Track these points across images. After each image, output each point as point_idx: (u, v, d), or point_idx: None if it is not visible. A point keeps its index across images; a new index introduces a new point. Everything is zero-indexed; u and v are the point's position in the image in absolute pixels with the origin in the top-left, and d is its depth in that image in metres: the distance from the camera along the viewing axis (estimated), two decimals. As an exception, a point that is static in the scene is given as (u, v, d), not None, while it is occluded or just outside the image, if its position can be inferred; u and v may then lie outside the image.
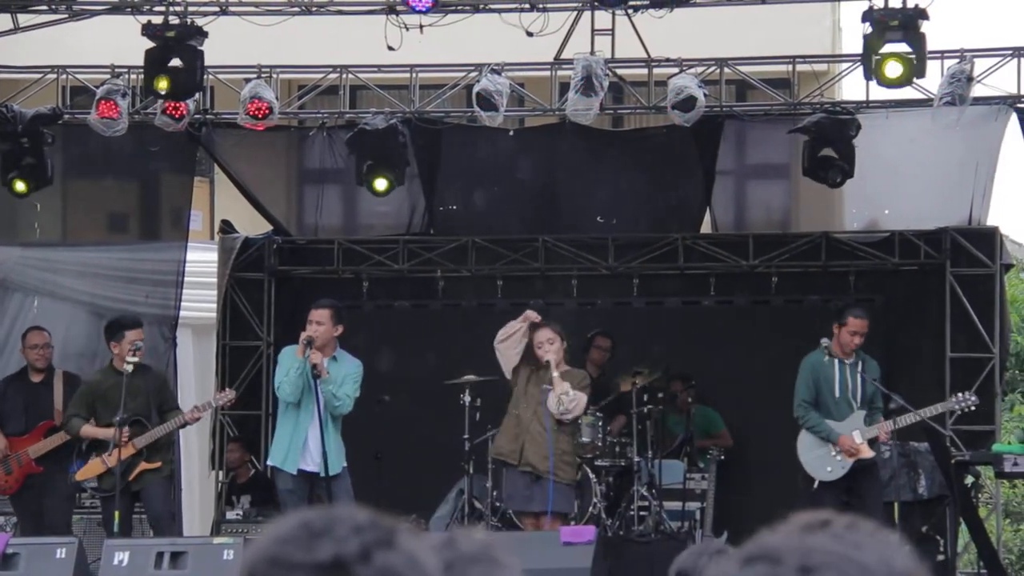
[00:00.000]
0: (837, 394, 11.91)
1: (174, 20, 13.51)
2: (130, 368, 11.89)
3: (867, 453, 11.75)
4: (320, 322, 11.63)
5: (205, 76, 14.00)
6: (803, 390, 12.05)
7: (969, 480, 13.32)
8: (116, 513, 11.62)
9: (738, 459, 13.92)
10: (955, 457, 12.95)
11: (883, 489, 12.00)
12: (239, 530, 12.62)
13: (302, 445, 11.51)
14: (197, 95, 14.27)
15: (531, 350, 12.24)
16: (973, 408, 12.01)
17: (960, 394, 12.05)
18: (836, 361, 11.94)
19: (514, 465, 12.13)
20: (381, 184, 14.44)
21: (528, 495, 12.13)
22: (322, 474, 11.45)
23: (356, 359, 11.82)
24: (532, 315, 12.21)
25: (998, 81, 14.09)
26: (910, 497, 12.94)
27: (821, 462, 11.83)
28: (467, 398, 13.06)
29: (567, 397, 12.05)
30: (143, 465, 12.12)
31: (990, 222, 14.97)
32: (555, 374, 12.08)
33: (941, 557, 12.93)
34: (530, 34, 13.63)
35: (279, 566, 1.99)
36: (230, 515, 13.56)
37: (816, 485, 11.88)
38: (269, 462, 11.96)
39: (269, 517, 12.81)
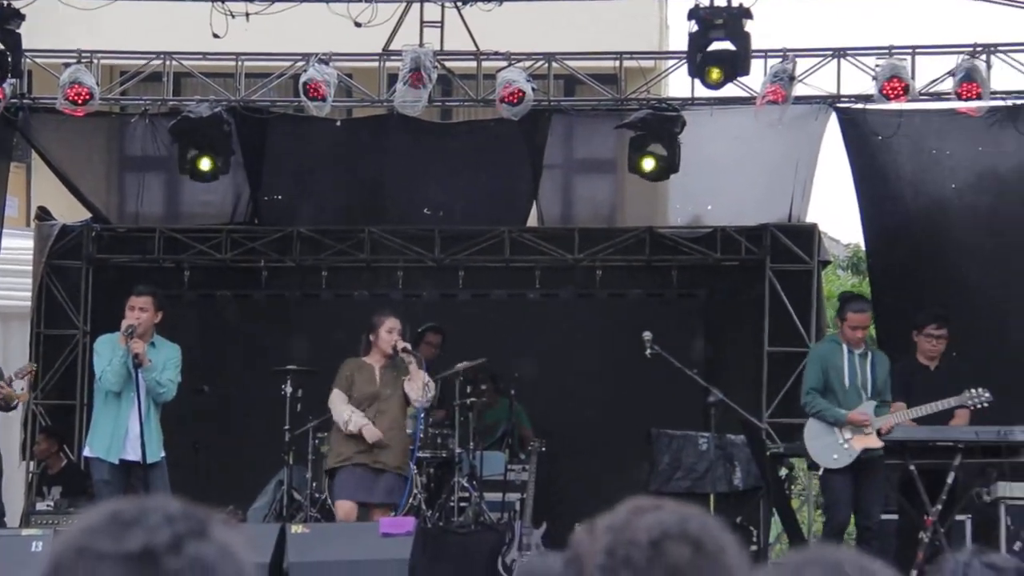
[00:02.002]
0: (847, 383, 11.74)
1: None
2: None
3: (874, 442, 11.57)
4: (143, 308, 11.52)
5: (23, 60, 13.86)
6: (812, 378, 11.88)
7: (783, 472, 13.59)
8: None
9: (559, 451, 14.06)
10: (770, 450, 13.19)
11: (882, 485, 11.85)
12: (49, 521, 12.47)
13: (124, 434, 11.43)
14: (14, 79, 14.11)
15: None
16: (986, 405, 11.83)
17: (975, 390, 11.85)
18: (846, 350, 11.79)
19: (365, 464, 12.02)
20: (205, 164, 14.36)
21: (368, 487, 12.09)
22: (142, 462, 11.37)
23: (174, 344, 11.76)
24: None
25: (819, 81, 14.41)
26: (725, 488, 13.12)
27: (828, 450, 11.65)
28: (288, 388, 13.07)
29: (430, 385, 12.08)
30: None
31: (809, 219, 15.28)
32: (412, 362, 12.07)
33: (754, 547, 13.16)
34: (358, 24, 13.63)
35: (87, 556, 1.97)
36: (40, 506, 13.40)
37: (822, 472, 11.78)
38: (87, 453, 11.80)
39: (80, 508, 12.72)
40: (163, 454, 11.63)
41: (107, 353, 11.48)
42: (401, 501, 12.10)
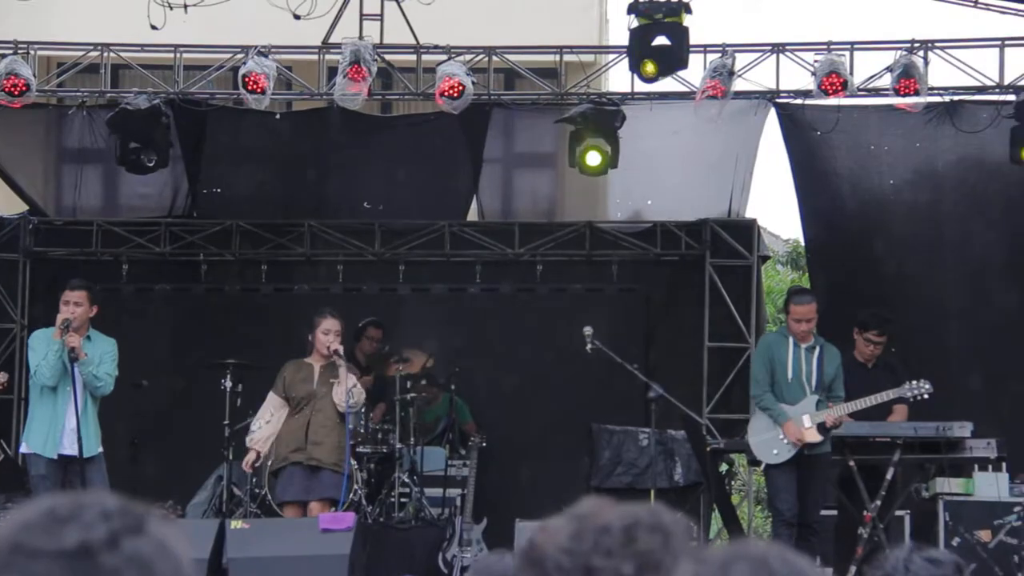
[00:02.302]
0: (790, 376, 11.58)
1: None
2: None
3: (813, 438, 11.42)
4: (78, 303, 11.45)
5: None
6: (757, 371, 11.81)
7: (724, 468, 13.58)
8: None
9: (500, 446, 14.02)
10: (710, 445, 13.17)
11: (825, 483, 11.77)
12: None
13: (61, 429, 11.33)
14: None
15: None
16: (927, 396, 11.75)
17: (914, 381, 11.79)
18: (792, 343, 11.63)
19: (300, 462, 12.02)
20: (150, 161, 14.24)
21: (307, 486, 12.05)
22: (79, 456, 11.28)
23: (109, 337, 11.67)
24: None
25: (758, 76, 14.41)
26: (666, 484, 13.11)
27: (768, 445, 11.55)
28: (228, 383, 12.99)
29: (356, 390, 12.08)
30: None
31: (748, 215, 15.30)
32: (342, 365, 12.07)
33: (694, 543, 13.16)
34: (297, 17, 13.58)
35: (21, 553, 1.94)
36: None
37: (764, 467, 11.71)
38: (24, 449, 11.71)
39: (17, 504, 12.58)
40: (101, 449, 11.55)
41: (42, 348, 11.42)
42: (340, 498, 12.03)
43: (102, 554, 1.94)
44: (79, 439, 11.20)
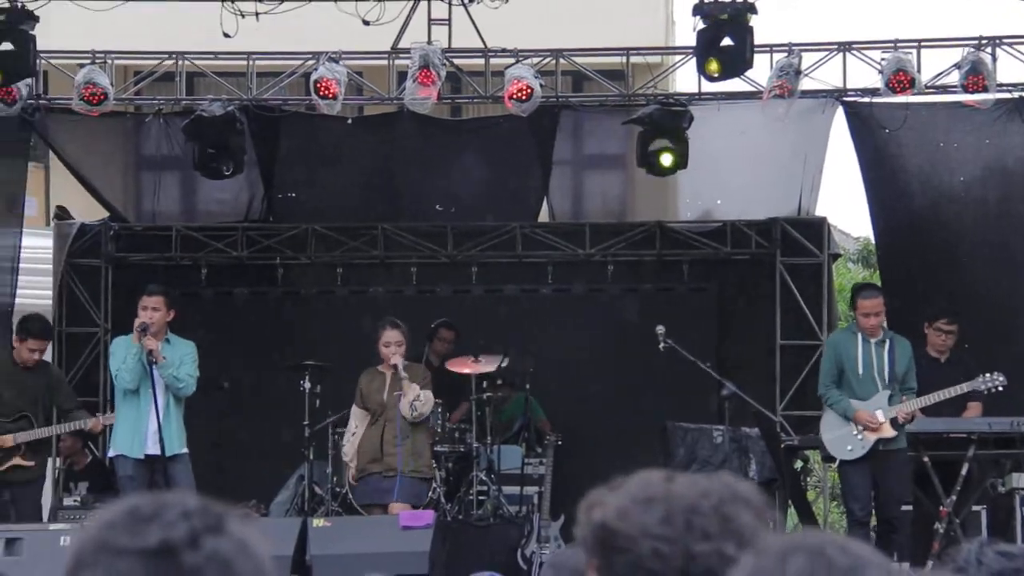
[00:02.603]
0: (861, 372, 11.60)
1: (4, 4, 13.35)
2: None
3: (888, 432, 11.42)
4: (156, 308, 11.61)
5: (38, 61, 13.85)
6: (825, 368, 11.82)
7: (798, 464, 13.56)
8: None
9: (575, 444, 14.06)
10: (784, 442, 13.17)
11: (906, 478, 11.67)
12: (76, 516, 12.49)
13: (145, 430, 11.48)
14: (30, 80, 14.09)
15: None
16: (1001, 388, 11.78)
17: (988, 374, 11.82)
18: (860, 338, 11.66)
19: (378, 472, 12.20)
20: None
21: (385, 491, 12.17)
22: (162, 455, 11.41)
23: (188, 341, 11.82)
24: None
25: (825, 75, 14.40)
26: (741, 480, 13.16)
27: (841, 442, 11.56)
28: (307, 384, 13.10)
29: (419, 402, 12.16)
30: (16, 460, 12.11)
31: (818, 213, 15.25)
32: (404, 378, 12.15)
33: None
34: (367, 23, 13.67)
35: (106, 551, 1.98)
36: (67, 501, 13.42)
37: (841, 464, 11.71)
38: (112, 452, 11.87)
39: (105, 503, 12.71)
40: (185, 449, 11.67)
41: (121, 353, 11.63)
42: (419, 501, 12.18)
43: (184, 553, 1.96)
44: (160, 439, 11.33)
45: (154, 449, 11.46)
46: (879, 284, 14.67)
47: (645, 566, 2.20)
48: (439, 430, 12.90)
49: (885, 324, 12.36)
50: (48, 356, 15.09)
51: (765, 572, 2.10)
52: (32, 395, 12.27)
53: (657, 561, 2.22)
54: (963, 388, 11.85)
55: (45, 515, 13.26)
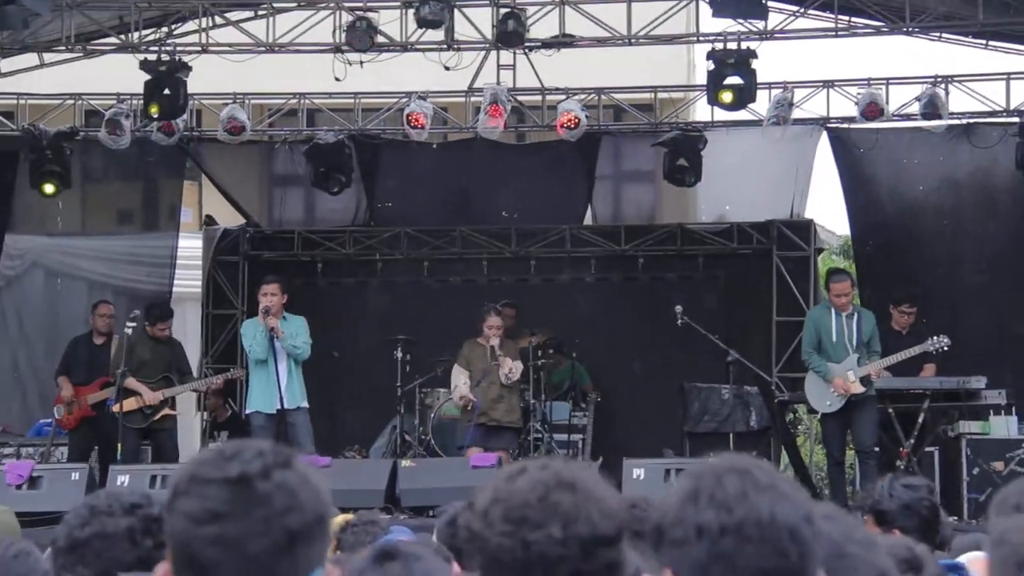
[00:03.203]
0: (835, 340, 11.44)
1: (165, 57, 13.52)
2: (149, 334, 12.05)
3: (857, 389, 11.31)
4: (273, 293, 11.65)
5: (190, 101, 14.01)
6: (807, 338, 11.69)
7: (790, 416, 13.49)
8: (120, 444, 11.65)
9: (612, 401, 14.07)
10: (778, 398, 13.12)
11: (874, 421, 11.53)
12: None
13: (274, 390, 11.55)
14: (185, 116, 14.27)
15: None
16: (946, 348, 11.69)
17: (935, 336, 11.74)
18: (833, 313, 11.52)
19: (483, 423, 12.12)
20: (335, 187, 14.54)
21: (488, 438, 12.15)
22: (282, 408, 11.50)
23: (299, 316, 11.85)
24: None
25: (812, 106, 14.34)
26: (743, 428, 13.07)
27: (821, 398, 11.44)
28: (399, 354, 13.14)
29: (512, 372, 12.20)
30: (166, 411, 12.25)
31: (807, 215, 15.17)
32: (500, 355, 12.15)
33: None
34: (447, 68, 13.72)
35: (196, 481, 2.00)
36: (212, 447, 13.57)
37: (820, 416, 11.64)
38: (248, 409, 11.92)
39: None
40: (305, 404, 11.71)
41: (251, 331, 11.70)
42: (512, 447, 12.18)
43: (257, 481, 1.98)
44: (281, 397, 11.42)
45: (283, 403, 11.54)
46: (855, 272, 14.58)
47: (497, 558, 2.07)
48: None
49: (857, 301, 12.28)
50: (198, 332, 15.35)
51: (704, 491, 2.03)
52: (167, 361, 12.43)
53: (504, 553, 2.06)
54: (916, 350, 11.76)
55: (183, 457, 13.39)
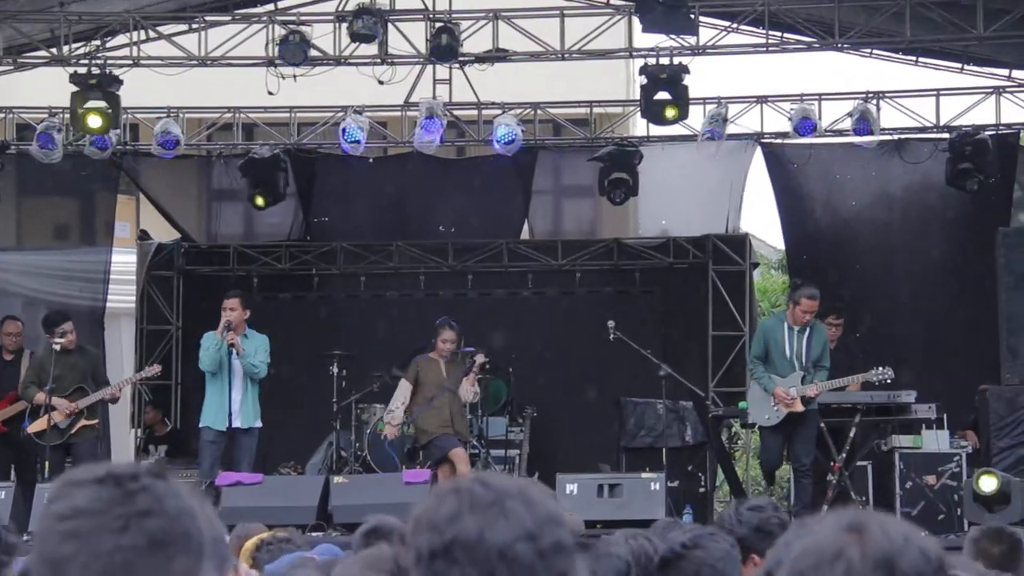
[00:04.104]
0: (786, 353, 11.21)
1: (96, 71, 13.36)
2: (58, 348, 11.70)
3: (798, 408, 11.11)
4: (233, 308, 11.50)
5: (125, 115, 13.86)
6: (755, 348, 11.45)
7: (728, 431, 13.45)
8: (46, 462, 11.43)
9: (548, 416, 14.00)
10: (712, 412, 13.09)
11: (812, 438, 11.33)
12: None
13: (228, 407, 11.40)
14: (118, 130, 14.12)
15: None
16: (889, 381, 11.48)
17: (879, 368, 11.50)
18: (787, 327, 11.24)
19: (448, 434, 11.89)
20: (260, 201, 14.50)
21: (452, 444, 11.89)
22: (240, 427, 11.36)
23: (262, 334, 11.70)
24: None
25: (746, 121, 14.36)
26: (678, 443, 13.03)
27: (761, 410, 11.24)
28: (335, 369, 13.03)
29: (476, 391, 12.08)
30: (83, 421, 11.92)
31: (743, 230, 15.21)
32: (470, 377, 11.93)
33: (702, 490, 13.09)
34: (381, 83, 13.64)
35: (68, 484, 1.94)
36: (146, 462, 13.37)
37: (757, 427, 11.42)
38: (201, 423, 11.65)
39: (181, 465, 12.69)
40: (258, 424, 11.54)
41: (207, 345, 11.48)
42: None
43: (125, 481, 1.91)
44: (232, 414, 11.27)
45: (235, 423, 11.37)
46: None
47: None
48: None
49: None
50: (132, 347, 15.13)
51: (424, 514, 1.98)
52: (81, 371, 12.09)
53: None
54: (859, 378, 11.68)
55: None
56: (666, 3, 11.00)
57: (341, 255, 15.41)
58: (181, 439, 14.35)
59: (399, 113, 14.67)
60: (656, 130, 14.31)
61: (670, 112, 13.14)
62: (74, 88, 13.15)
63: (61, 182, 15.51)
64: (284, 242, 15.55)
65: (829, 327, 12.08)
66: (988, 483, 11.01)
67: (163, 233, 16.02)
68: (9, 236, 16.23)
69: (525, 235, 15.78)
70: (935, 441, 11.87)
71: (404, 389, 12.14)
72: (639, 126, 16.01)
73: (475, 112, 14.71)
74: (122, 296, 15.74)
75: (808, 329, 11.32)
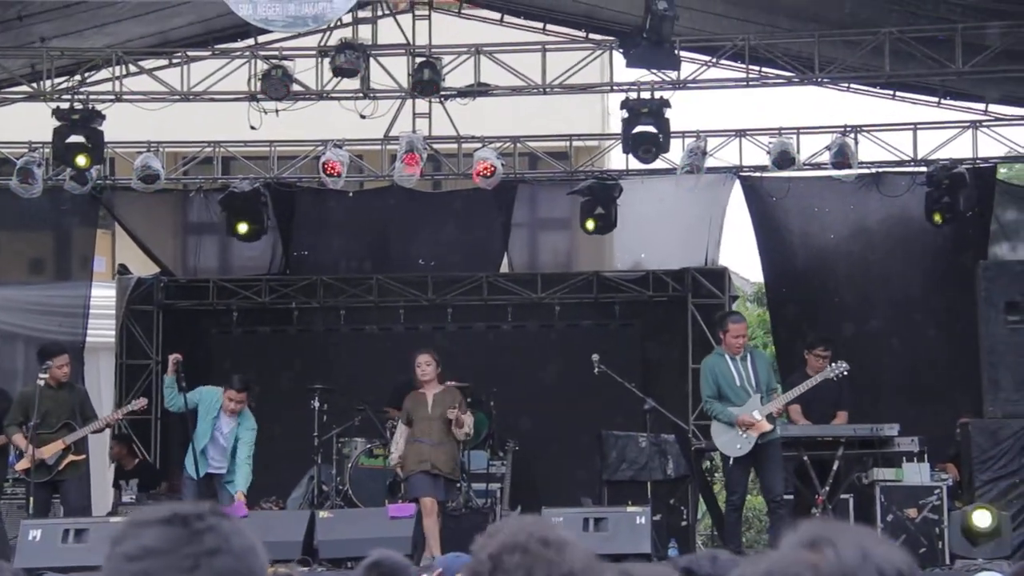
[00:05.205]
0: (737, 384, 11.17)
1: (78, 106, 13.30)
2: (42, 383, 11.59)
3: (765, 426, 11.02)
4: (240, 402, 11.62)
5: (105, 150, 13.80)
6: (706, 388, 11.34)
7: (706, 464, 13.44)
8: (31, 499, 11.32)
9: (529, 449, 13.95)
10: (694, 446, 13.07)
11: (781, 468, 11.29)
12: (132, 512, 12.32)
13: (199, 452, 11.42)
14: (98, 165, 14.04)
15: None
16: (845, 373, 11.43)
17: (834, 363, 11.50)
18: (728, 359, 11.21)
19: (427, 471, 11.58)
20: (243, 228, 14.44)
21: (432, 485, 11.60)
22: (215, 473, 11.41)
23: (253, 425, 11.70)
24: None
25: (725, 155, 14.43)
26: (660, 477, 12.97)
27: (731, 443, 11.14)
28: (316, 403, 12.97)
29: (467, 429, 11.69)
30: (71, 457, 11.81)
31: (721, 263, 15.24)
32: (462, 415, 11.60)
33: (684, 523, 13.05)
34: (363, 116, 13.64)
35: (133, 525, 2.00)
36: (126, 498, 13.26)
37: (731, 462, 11.24)
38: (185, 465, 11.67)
39: (157, 499, 12.60)
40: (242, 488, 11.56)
41: (194, 397, 11.51)
42: (447, 496, 11.81)
43: (192, 521, 1.98)
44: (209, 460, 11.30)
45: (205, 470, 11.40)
46: (769, 319, 14.61)
47: None
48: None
49: (772, 348, 12.18)
50: (111, 382, 15.00)
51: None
52: (69, 407, 11.98)
53: None
54: (817, 379, 11.56)
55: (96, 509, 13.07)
56: (650, 39, 11.04)
57: (321, 289, 15.38)
58: (151, 472, 14.24)
59: (379, 147, 14.64)
60: (635, 163, 14.32)
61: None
62: (56, 123, 13.08)
63: (36, 216, 15.41)
64: (264, 276, 15.51)
65: (816, 358, 12.09)
66: (982, 518, 10.98)
67: (140, 267, 15.95)
68: (-17, 270, 16.12)
69: (504, 268, 15.76)
70: (916, 474, 11.86)
71: (400, 432, 11.99)
72: (616, 159, 16.07)
73: (455, 146, 14.71)
74: (101, 331, 15.64)
75: (748, 355, 11.31)
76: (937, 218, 13.79)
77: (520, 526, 2.18)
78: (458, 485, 12.42)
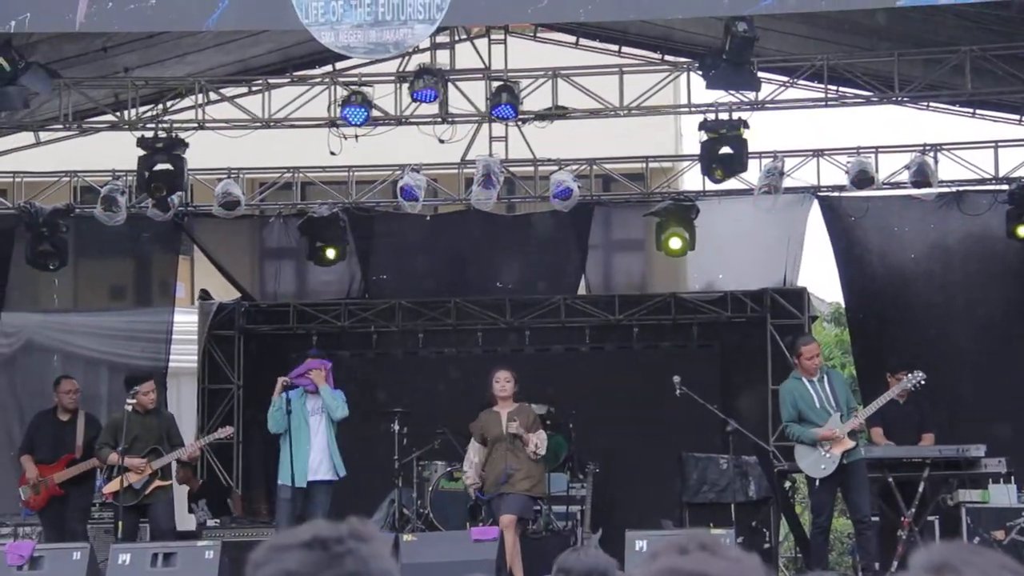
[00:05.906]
0: (817, 405, 11.15)
1: (162, 134, 13.49)
2: (129, 408, 11.76)
3: (847, 442, 10.95)
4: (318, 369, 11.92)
5: (187, 177, 13.97)
6: (785, 413, 11.35)
7: (788, 485, 13.36)
8: (119, 523, 11.45)
9: (610, 471, 13.91)
10: (776, 467, 13.00)
11: (867, 488, 11.22)
12: (217, 535, 12.45)
13: (304, 462, 11.58)
14: (180, 192, 14.22)
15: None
16: (923, 383, 11.39)
17: (910, 373, 11.46)
18: (805, 381, 11.23)
19: (504, 492, 11.64)
20: (331, 254, 14.57)
21: (510, 504, 11.66)
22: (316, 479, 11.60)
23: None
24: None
25: (803, 175, 14.35)
26: (742, 499, 12.91)
27: (816, 464, 11.11)
28: (396, 426, 13.00)
29: (538, 447, 11.73)
30: (157, 483, 11.94)
31: (800, 283, 15.14)
32: (516, 426, 11.66)
33: (767, 546, 12.95)
34: (442, 141, 13.72)
35: (275, 549, 2.04)
36: (210, 523, 13.36)
37: (817, 484, 11.17)
38: (279, 480, 11.72)
39: (237, 523, 12.71)
40: (342, 473, 11.79)
41: (271, 409, 11.66)
42: (526, 513, 11.79)
43: (332, 544, 2.00)
44: (313, 470, 11.60)
45: (309, 477, 11.60)
46: (849, 340, 14.48)
47: None
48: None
49: (853, 369, 12.06)
50: (193, 408, 15.15)
51: None
52: (157, 433, 12.11)
53: None
54: (895, 391, 11.55)
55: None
56: (730, 60, 11.02)
57: (399, 312, 15.44)
58: (221, 490, 14.37)
59: (456, 171, 14.70)
60: (712, 185, 14.28)
61: (719, 174, 13.16)
62: (141, 152, 13.26)
63: (118, 244, 15.62)
64: (343, 300, 15.58)
65: (899, 382, 11.97)
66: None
67: (219, 293, 16.09)
68: (67, 298, 16.34)
69: (582, 291, 15.75)
70: (1004, 495, 11.74)
71: (472, 449, 12.06)
72: (690, 180, 16.04)
73: (531, 168, 14.75)
74: (182, 356, 15.80)
75: (824, 376, 11.27)
76: (1020, 232, 13.61)
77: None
78: (537, 505, 12.39)
